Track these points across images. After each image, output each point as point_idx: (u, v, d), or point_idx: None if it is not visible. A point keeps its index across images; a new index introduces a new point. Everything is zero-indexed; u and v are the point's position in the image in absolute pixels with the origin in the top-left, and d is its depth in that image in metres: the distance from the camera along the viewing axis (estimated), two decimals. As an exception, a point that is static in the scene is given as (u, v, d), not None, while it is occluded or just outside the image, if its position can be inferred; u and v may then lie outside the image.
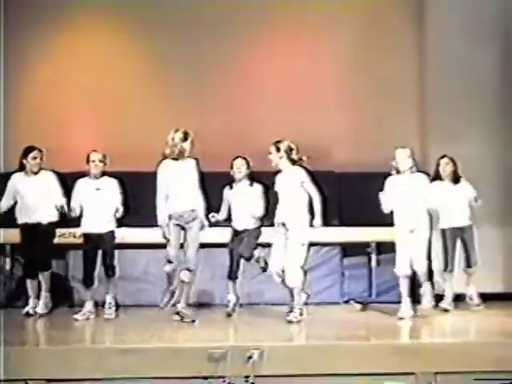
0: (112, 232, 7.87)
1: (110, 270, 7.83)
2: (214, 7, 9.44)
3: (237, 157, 7.97)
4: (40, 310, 7.92)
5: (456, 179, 8.34)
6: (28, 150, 7.94)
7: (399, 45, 9.65)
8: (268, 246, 7.57)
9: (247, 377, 5.93)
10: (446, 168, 8.32)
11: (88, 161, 7.83)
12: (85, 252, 7.84)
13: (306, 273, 7.45)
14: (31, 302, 7.99)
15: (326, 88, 9.56)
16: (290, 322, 7.21)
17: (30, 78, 9.63)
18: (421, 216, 7.64)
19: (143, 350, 6.10)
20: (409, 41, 9.64)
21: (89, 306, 7.73)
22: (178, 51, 9.46)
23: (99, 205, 7.80)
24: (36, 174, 7.97)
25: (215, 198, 7.88)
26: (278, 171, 7.46)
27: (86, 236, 7.86)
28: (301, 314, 7.28)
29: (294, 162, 7.34)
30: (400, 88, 9.63)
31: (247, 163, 7.92)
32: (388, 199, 7.60)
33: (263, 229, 7.92)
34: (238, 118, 9.43)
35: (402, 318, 7.42)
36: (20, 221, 7.99)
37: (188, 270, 7.22)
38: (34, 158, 7.92)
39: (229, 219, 7.93)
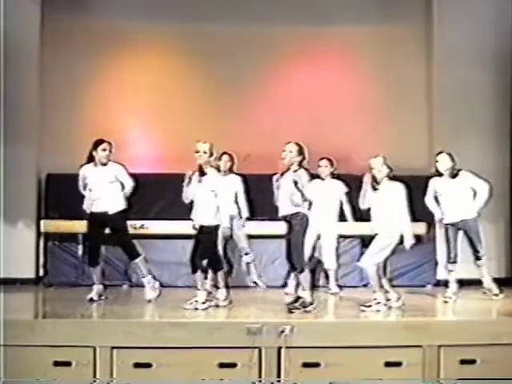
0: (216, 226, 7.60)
1: (215, 262, 7.68)
2: (254, 36, 10.63)
3: (288, 142, 7.51)
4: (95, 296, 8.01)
5: (454, 174, 8.16)
6: (98, 143, 7.95)
7: (410, 66, 10.58)
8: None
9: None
10: (444, 163, 8.15)
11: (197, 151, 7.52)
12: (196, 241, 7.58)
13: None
14: (95, 288, 8.05)
15: (349, 102, 10.55)
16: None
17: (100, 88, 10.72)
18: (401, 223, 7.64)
19: (192, 324, 6.74)
20: (419, 63, 10.57)
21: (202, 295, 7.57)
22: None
23: (204, 196, 7.52)
24: (105, 165, 8.00)
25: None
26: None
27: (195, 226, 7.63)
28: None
29: (332, 175, 8.97)
30: (410, 101, 10.48)
31: (300, 148, 7.47)
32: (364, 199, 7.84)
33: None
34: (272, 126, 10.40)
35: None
36: (88, 211, 8.01)
37: None
38: (104, 149, 7.92)
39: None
